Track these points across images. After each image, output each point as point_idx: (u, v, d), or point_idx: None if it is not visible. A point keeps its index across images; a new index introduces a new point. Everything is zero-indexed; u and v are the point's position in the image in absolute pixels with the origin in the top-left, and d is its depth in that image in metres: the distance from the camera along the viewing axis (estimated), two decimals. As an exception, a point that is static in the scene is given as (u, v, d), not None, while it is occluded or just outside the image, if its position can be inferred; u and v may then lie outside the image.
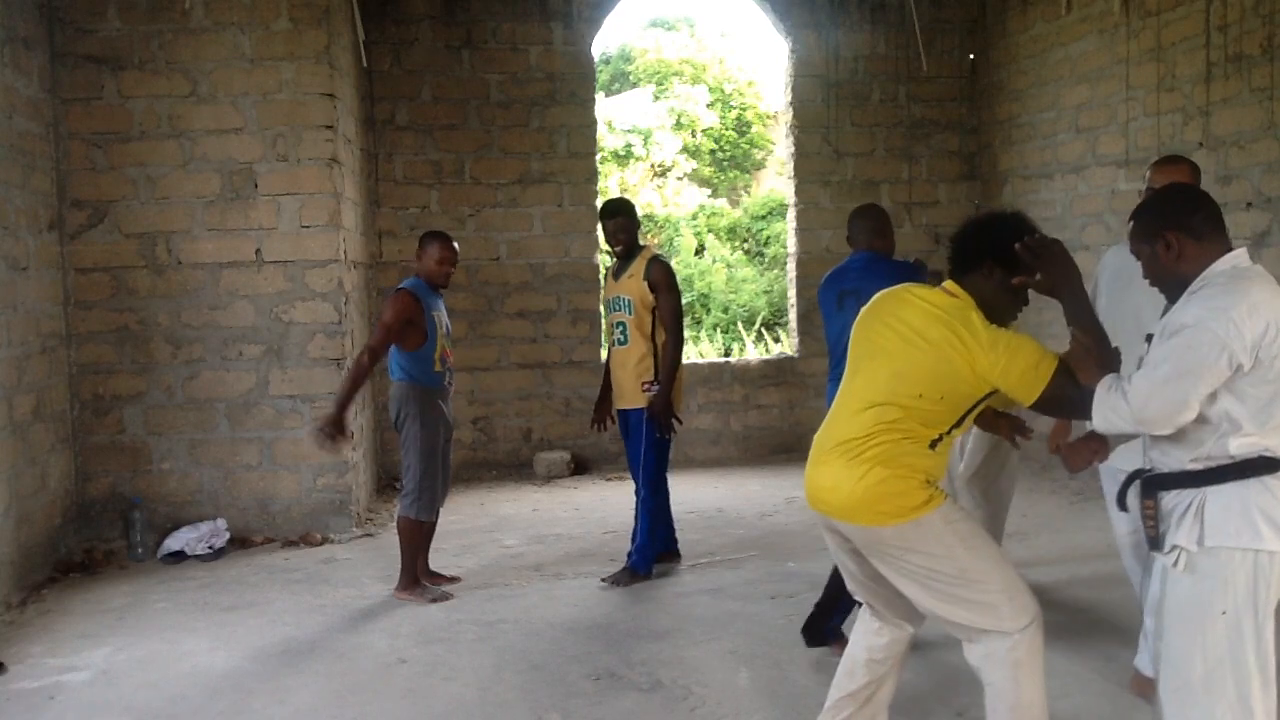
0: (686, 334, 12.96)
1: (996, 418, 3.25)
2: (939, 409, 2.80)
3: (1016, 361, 2.72)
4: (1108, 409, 2.50)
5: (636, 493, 5.19)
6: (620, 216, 5.20)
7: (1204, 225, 2.52)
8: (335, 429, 4.66)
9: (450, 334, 5.13)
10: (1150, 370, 2.43)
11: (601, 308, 5.39)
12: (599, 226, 8.27)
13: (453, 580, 5.21)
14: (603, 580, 5.15)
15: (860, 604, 4.39)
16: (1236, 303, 2.37)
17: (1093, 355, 2.67)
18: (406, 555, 4.99)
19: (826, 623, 4.11)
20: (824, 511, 2.96)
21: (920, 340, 2.82)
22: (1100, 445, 2.89)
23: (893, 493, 2.80)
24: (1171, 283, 2.58)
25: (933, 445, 2.83)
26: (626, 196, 5.70)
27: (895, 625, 3.09)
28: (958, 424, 2.85)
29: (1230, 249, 2.53)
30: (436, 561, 5.48)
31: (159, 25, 6.00)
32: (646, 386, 5.09)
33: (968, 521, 2.90)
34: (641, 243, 5.29)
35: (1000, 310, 2.85)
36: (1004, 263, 2.81)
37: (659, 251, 5.20)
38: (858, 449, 2.84)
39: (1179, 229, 2.52)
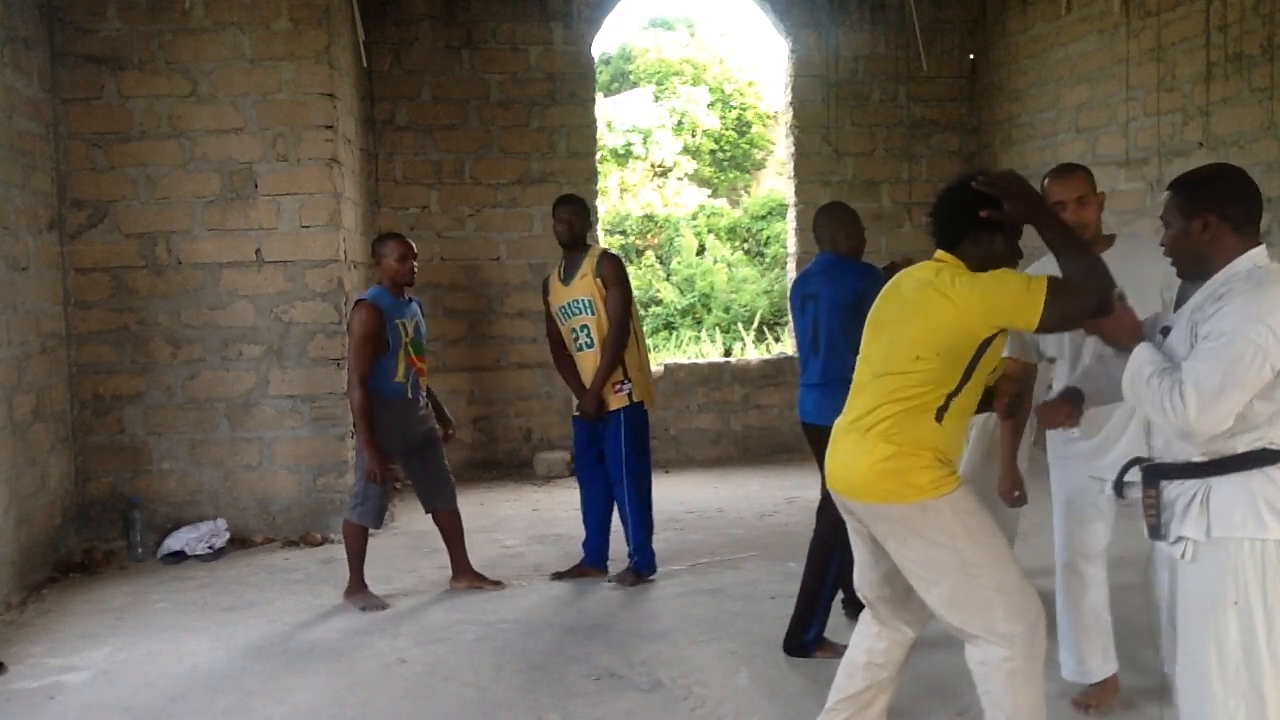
0: (687, 334, 13.12)
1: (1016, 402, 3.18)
2: (937, 367, 2.79)
3: (1006, 290, 2.73)
4: (1161, 406, 2.41)
5: (617, 495, 5.13)
6: (570, 206, 5.16)
7: (1245, 217, 2.51)
8: (382, 469, 4.77)
9: (422, 339, 5.04)
10: (1197, 383, 2.36)
11: (556, 315, 5.22)
12: (599, 226, 8.35)
13: (496, 585, 5.15)
14: (607, 581, 5.14)
15: (840, 608, 4.43)
16: (1273, 308, 2.36)
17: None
18: (350, 558, 4.98)
19: (804, 635, 4.12)
20: (839, 490, 2.97)
21: (909, 308, 2.86)
22: (1076, 410, 2.87)
23: (899, 470, 2.80)
24: (1194, 263, 2.55)
25: (939, 417, 2.81)
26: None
27: (895, 629, 3.08)
28: (960, 386, 2.82)
29: (1258, 244, 2.51)
30: (435, 561, 5.48)
31: (159, 25, 6.00)
32: (618, 387, 5.03)
33: (980, 515, 2.87)
34: (591, 242, 5.22)
35: (998, 265, 2.86)
36: (986, 225, 2.83)
37: (605, 247, 5.15)
38: (867, 424, 2.87)
39: (1222, 214, 2.49)
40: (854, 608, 4.38)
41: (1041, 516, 6.21)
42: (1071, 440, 3.48)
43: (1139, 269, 3.19)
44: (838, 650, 4.05)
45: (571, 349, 5.20)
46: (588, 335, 5.08)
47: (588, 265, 5.06)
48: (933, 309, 2.79)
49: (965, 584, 2.81)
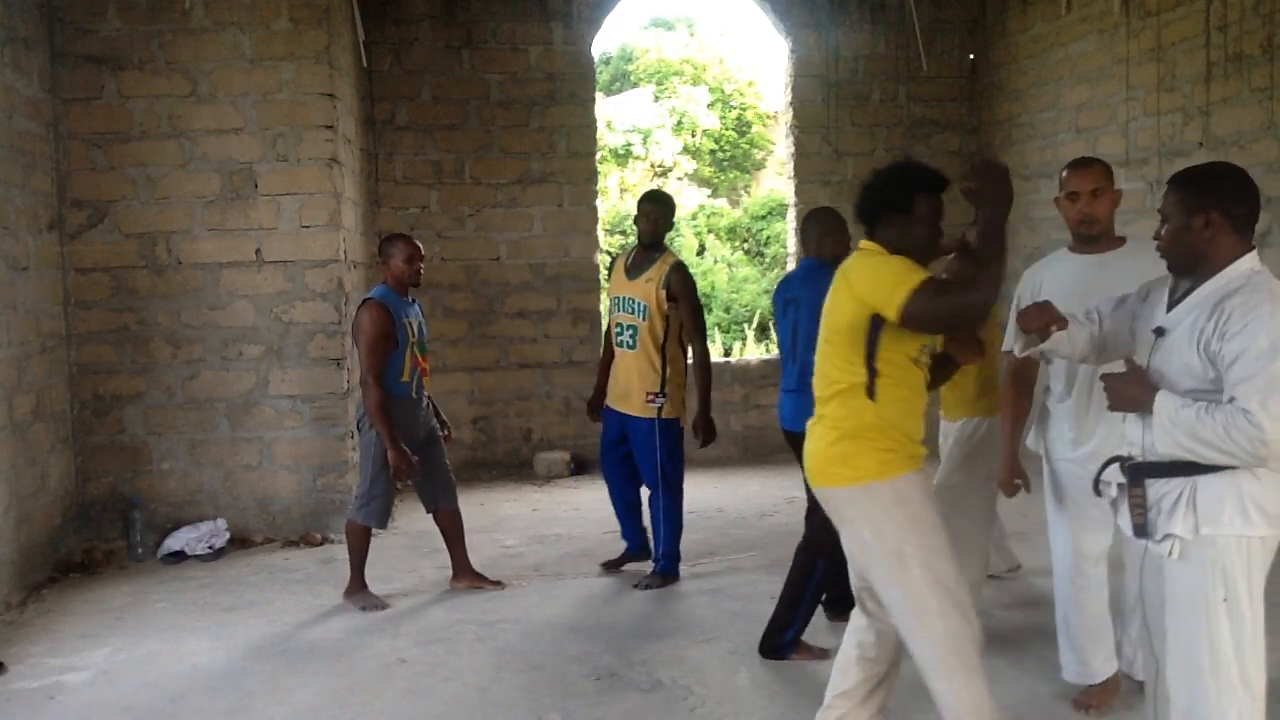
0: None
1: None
2: (838, 348, 2.89)
3: (883, 275, 2.80)
4: (1228, 436, 2.35)
5: (652, 501, 5.12)
6: (658, 205, 5.12)
7: (1245, 219, 2.51)
8: (408, 464, 4.75)
9: (423, 339, 5.05)
10: (1264, 401, 2.32)
11: (605, 301, 5.28)
12: (599, 226, 8.35)
13: (496, 585, 5.16)
14: (634, 584, 5.10)
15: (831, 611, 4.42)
16: None
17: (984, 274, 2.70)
18: (352, 558, 4.98)
19: (781, 637, 4.10)
20: (808, 479, 3.06)
21: (831, 298, 2.97)
22: (1060, 319, 2.82)
23: (845, 454, 2.87)
24: (1189, 260, 2.54)
25: (870, 393, 2.85)
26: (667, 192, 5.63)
27: (881, 620, 3.08)
28: (872, 370, 2.84)
29: (1251, 248, 2.52)
30: (435, 561, 5.48)
31: (159, 25, 6.00)
32: (651, 398, 5.01)
33: (925, 507, 2.87)
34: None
35: (916, 249, 2.91)
36: (898, 209, 2.93)
37: (680, 257, 5.12)
38: (819, 414, 2.98)
39: (1225, 213, 2.49)
40: (834, 608, 4.40)
41: (1042, 517, 6.21)
42: (1079, 444, 3.48)
43: (1148, 269, 3.18)
44: (814, 653, 4.06)
45: (613, 340, 5.20)
46: (632, 336, 5.05)
47: (656, 271, 4.99)
48: (836, 288, 2.91)
49: (899, 574, 2.82)
